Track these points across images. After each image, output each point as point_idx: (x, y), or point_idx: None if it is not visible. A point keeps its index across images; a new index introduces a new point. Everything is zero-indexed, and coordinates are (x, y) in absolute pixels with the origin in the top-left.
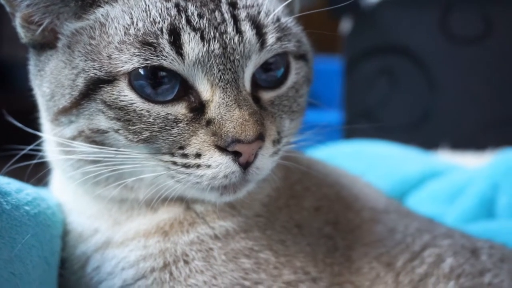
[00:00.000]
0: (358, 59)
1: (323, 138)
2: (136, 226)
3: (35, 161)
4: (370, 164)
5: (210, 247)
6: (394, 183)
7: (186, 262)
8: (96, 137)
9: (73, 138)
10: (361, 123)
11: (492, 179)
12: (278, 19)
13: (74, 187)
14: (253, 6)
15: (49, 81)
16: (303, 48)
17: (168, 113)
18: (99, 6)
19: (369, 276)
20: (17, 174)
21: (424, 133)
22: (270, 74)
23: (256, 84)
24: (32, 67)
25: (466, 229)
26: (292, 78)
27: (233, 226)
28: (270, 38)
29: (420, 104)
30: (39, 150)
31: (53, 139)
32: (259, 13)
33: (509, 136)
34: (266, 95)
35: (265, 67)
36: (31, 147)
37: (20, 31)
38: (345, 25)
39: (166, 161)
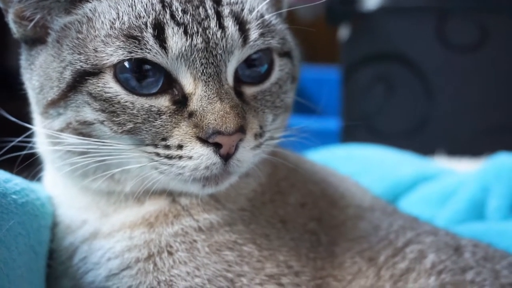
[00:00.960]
0: (355, 66)
1: (321, 144)
2: (123, 218)
3: (24, 152)
4: (364, 167)
5: (194, 239)
6: (387, 186)
7: (170, 253)
8: (83, 129)
9: (62, 130)
10: (358, 129)
11: (483, 182)
12: (261, 16)
13: (64, 180)
14: (237, 3)
15: (38, 74)
16: (287, 45)
17: (152, 105)
18: (88, 1)
19: (351, 270)
20: (12, 169)
21: (421, 139)
22: (254, 69)
23: (239, 79)
24: (23, 62)
25: (456, 230)
26: (275, 74)
27: (217, 219)
28: (253, 34)
29: (417, 111)
30: (30, 143)
31: (43, 132)
32: (242, 9)
33: (504, 143)
34: (249, 90)
35: (249, 63)
36: (20, 139)
37: (13, 26)
38: (343, 33)
39: (150, 152)
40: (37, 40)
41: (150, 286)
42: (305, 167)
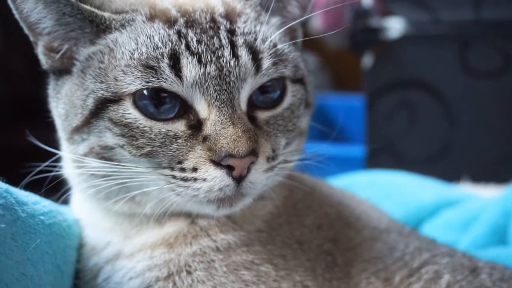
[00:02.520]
0: (379, 93)
1: (345, 170)
2: (144, 239)
3: (52, 174)
4: (386, 192)
5: (212, 258)
6: (409, 212)
7: (188, 272)
8: (105, 153)
9: (85, 154)
10: (382, 156)
11: (505, 208)
12: (274, 45)
13: (89, 203)
14: (250, 33)
15: (64, 103)
16: (300, 72)
17: (169, 130)
18: (110, 32)
19: None
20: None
21: (444, 165)
22: (267, 95)
23: (253, 104)
24: (50, 91)
25: (477, 255)
26: (288, 100)
27: (234, 239)
28: (266, 63)
29: (440, 137)
30: (57, 167)
31: (69, 156)
32: (255, 39)
33: None
34: (262, 115)
35: (263, 89)
36: (47, 163)
37: (42, 58)
38: (367, 60)
39: (167, 175)
40: (63, 70)
41: None
42: (322, 190)
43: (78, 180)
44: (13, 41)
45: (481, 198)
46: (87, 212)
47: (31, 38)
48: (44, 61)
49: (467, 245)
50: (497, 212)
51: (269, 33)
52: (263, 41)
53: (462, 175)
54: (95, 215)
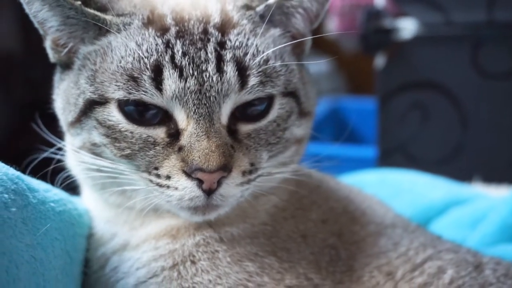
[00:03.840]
0: (391, 94)
1: (357, 171)
2: (149, 231)
3: (53, 166)
4: (396, 191)
5: (216, 249)
6: (419, 210)
7: (193, 262)
8: (95, 149)
9: (80, 148)
10: (394, 156)
11: None
12: (266, 61)
13: (92, 194)
14: (240, 47)
15: (61, 97)
16: (292, 86)
17: (149, 135)
18: (107, 35)
19: (369, 284)
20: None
21: (456, 166)
22: (252, 109)
23: (236, 117)
24: (55, 82)
25: (486, 253)
26: (274, 113)
27: (238, 231)
28: (252, 81)
29: (452, 138)
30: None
31: (69, 148)
32: (245, 54)
33: None
34: (244, 128)
35: (248, 102)
36: (51, 150)
37: (50, 52)
38: (379, 62)
39: (145, 178)
40: (68, 65)
41: None
42: (328, 185)
43: (78, 171)
44: (32, 47)
45: (491, 197)
46: (92, 203)
47: (41, 32)
48: (52, 55)
49: (476, 243)
50: (506, 210)
51: (263, 47)
52: (254, 56)
53: (474, 175)
54: (99, 207)
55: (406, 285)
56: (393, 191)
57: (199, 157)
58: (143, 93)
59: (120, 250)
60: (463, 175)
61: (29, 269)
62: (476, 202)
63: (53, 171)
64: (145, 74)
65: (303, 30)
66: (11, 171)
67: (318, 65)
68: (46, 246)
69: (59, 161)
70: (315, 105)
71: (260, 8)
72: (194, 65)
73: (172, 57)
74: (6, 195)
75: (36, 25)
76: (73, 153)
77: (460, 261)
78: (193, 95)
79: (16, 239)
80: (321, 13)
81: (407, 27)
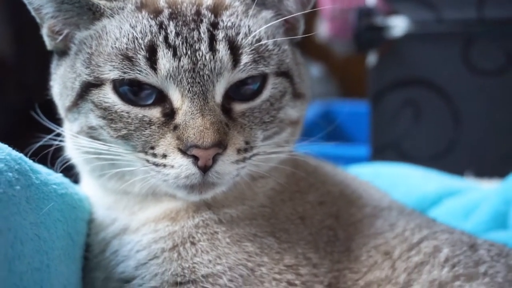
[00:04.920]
0: (383, 92)
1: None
2: (148, 215)
3: (54, 146)
4: (390, 183)
5: (215, 230)
6: (413, 201)
7: (192, 243)
8: (92, 133)
9: (78, 133)
10: (387, 153)
11: (505, 195)
12: (258, 41)
13: (91, 181)
14: (232, 27)
15: (58, 83)
16: (285, 66)
17: (145, 115)
18: (101, 19)
19: (367, 263)
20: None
21: (449, 162)
22: (246, 87)
23: (230, 97)
24: (52, 70)
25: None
26: (267, 93)
27: (237, 213)
28: (244, 59)
29: (444, 134)
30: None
31: (67, 134)
32: (238, 34)
33: None
34: (239, 107)
35: (242, 82)
36: (50, 136)
37: (46, 39)
38: (371, 59)
39: (141, 158)
40: (64, 52)
41: (175, 273)
42: (325, 170)
43: (77, 158)
44: (25, 50)
45: (483, 189)
46: (92, 190)
47: (37, 20)
48: (48, 42)
49: (469, 231)
50: (498, 199)
51: (255, 27)
52: (246, 35)
53: (466, 170)
54: (98, 193)
55: (404, 263)
56: (387, 183)
57: (194, 134)
58: (138, 72)
59: (120, 234)
60: (455, 170)
61: (33, 246)
62: (469, 193)
63: (52, 160)
64: (139, 54)
65: (295, 12)
66: (14, 152)
67: (310, 70)
68: (49, 226)
69: (58, 149)
70: (308, 88)
71: None
72: (188, 45)
73: (166, 37)
74: (10, 174)
75: (33, 12)
76: (72, 138)
77: (455, 241)
78: (187, 74)
79: (21, 217)
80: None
81: (399, 24)
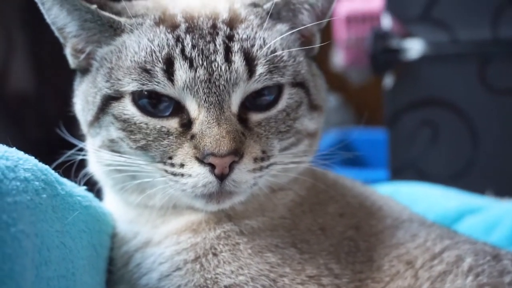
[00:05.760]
0: (400, 113)
1: None
2: (170, 228)
3: (80, 157)
4: (410, 201)
5: (237, 241)
6: (434, 219)
7: (214, 254)
8: (113, 146)
9: (100, 147)
10: (405, 174)
11: None
12: (273, 52)
13: (114, 196)
14: (248, 39)
15: (80, 99)
16: (300, 77)
17: (163, 126)
18: (122, 35)
19: (389, 273)
20: None
21: (468, 182)
22: (262, 98)
23: (246, 107)
24: (75, 87)
25: None
26: (283, 103)
27: (258, 224)
28: (260, 69)
29: (463, 154)
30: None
31: (90, 149)
32: (253, 45)
33: None
34: (255, 117)
35: (258, 92)
36: (72, 151)
37: (69, 58)
38: (387, 81)
39: (160, 169)
40: (86, 70)
41: (198, 284)
42: (344, 183)
43: (99, 172)
44: (44, 85)
45: (505, 205)
46: (114, 205)
47: (61, 40)
48: (71, 61)
49: None
50: None
51: (269, 39)
52: (261, 47)
53: (486, 190)
54: (120, 208)
55: (426, 273)
56: (407, 201)
57: (211, 143)
58: (156, 84)
59: (143, 247)
60: (474, 189)
61: (59, 254)
62: (490, 209)
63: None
64: (157, 66)
65: (310, 26)
66: (40, 164)
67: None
68: (74, 235)
69: (80, 166)
70: (325, 100)
71: (267, 5)
72: (203, 56)
73: (182, 50)
74: (37, 183)
75: (56, 32)
76: (94, 153)
77: (478, 251)
78: (203, 84)
79: (47, 224)
80: (328, 11)
81: (414, 47)
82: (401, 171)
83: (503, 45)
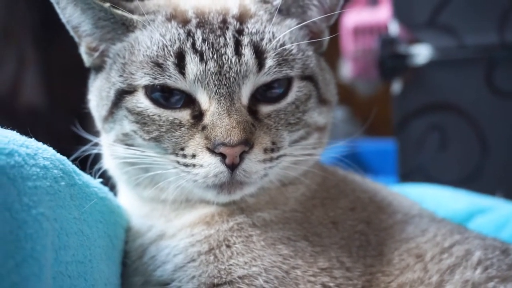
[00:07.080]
0: (408, 119)
1: None
2: (183, 221)
3: (95, 151)
4: (419, 201)
5: (250, 233)
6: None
7: (228, 246)
8: (126, 140)
9: (114, 141)
10: (414, 179)
11: None
12: (282, 45)
13: (128, 191)
14: (257, 33)
15: (95, 95)
16: (309, 70)
17: (175, 118)
18: (134, 31)
19: (399, 266)
20: None
21: (477, 186)
22: (272, 91)
23: (256, 99)
24: (89, 85)
25: None
26: (292, 95)
27: (270, 217)
28: (269, 62)
29: (471, 158)
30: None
31: (104, 145)
32: (262, 39)
33: None
34: (265, 109)
35: (268, 84)
36: (87, 147)
37: (84, 56)
38: (395, 87)
39: (172, 160)
40: (100, 67)
41: (212, 275)
42: (354, 178)
43: (114, 168)
44: (55, 100)
45: None
46: (128, 201)
47: (76, 39)
48: (86, 59)
49: None
50: None
51: (278, 33)
52: (270, 40)
53: (495, 192)
54: (134, 203)
55: (436, 266)
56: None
57: (221, 133)
58: (168, 77)
59: (157, 240)
60: (483, 193)
61: (77, 240)
62: (499, 210)
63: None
64: (169, 60)
65: (319, 22)
66: (58, 154)
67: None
68: (91, 224)
69: (94, 162)
70: (334, 95)
71: (276, 1)
72: (214, 50)
73: (193, 44)
74: (55, 171)
75: (71, 32)
76: (109, 148)
77: (488, 246)
78: (213, 77)
79: (66, 211)
80: (336, 8)
81: (422, 52)
82: (409, 176)
83: (510, 49)
